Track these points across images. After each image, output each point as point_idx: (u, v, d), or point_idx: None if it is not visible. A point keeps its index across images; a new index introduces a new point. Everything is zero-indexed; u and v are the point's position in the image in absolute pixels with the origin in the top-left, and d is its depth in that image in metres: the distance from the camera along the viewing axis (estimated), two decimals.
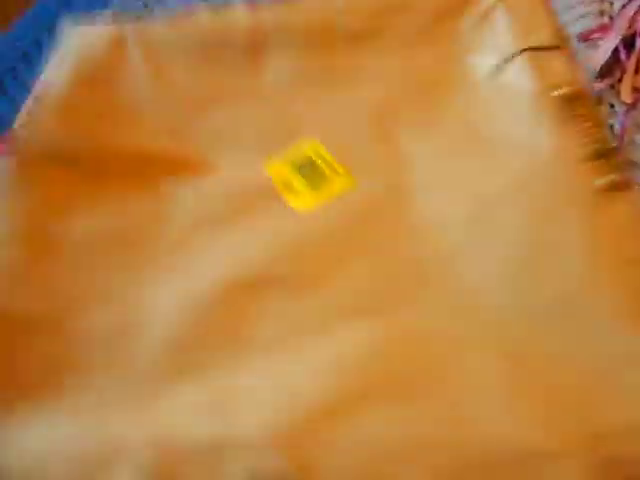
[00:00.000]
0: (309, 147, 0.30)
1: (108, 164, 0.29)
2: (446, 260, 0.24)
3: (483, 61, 0.29)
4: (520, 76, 0.27)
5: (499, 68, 0.29)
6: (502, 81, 0.28)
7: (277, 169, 0.29)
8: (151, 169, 0.29)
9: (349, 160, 0.28)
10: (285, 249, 0.26)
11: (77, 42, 0.34)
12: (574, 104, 0.26)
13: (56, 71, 0.33)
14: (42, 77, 0.33)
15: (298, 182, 0.29)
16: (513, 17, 0.29)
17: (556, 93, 0.26)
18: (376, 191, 0.27)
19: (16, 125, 0.31)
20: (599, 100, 0.27)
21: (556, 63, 0.27)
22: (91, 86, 0.32)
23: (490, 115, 0.28)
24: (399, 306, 0.23)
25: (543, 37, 0.28)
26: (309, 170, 0.29)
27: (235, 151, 0.30)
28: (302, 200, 0.28)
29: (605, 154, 0.24)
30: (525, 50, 0.28)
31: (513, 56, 0.28)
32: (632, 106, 0.27)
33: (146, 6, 0.40)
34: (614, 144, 0.26)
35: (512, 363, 0.20)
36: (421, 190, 0.26)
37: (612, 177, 0.23)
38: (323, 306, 0.24)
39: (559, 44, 0.28)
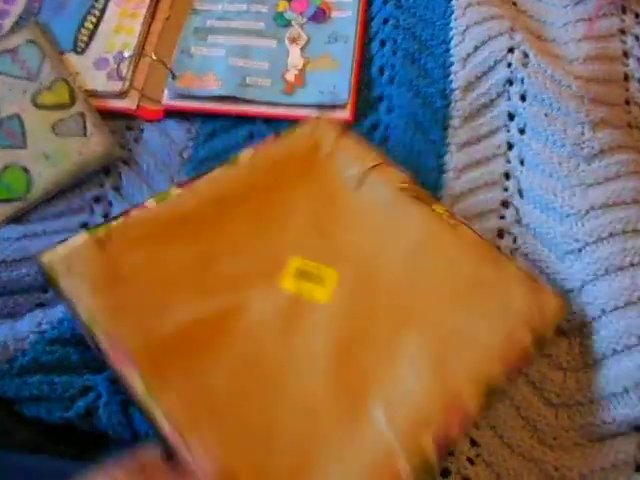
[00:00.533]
0: (295, 262, 0.44)
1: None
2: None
3: (347, 181, 0.48)
4: (377, 183, 0.48)
5: (360, 182, 0.48)
6: (365, 189, 0.48)
7: (288, 284, 0.43)
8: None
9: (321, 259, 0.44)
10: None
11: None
12: (415, 188, 0.47)
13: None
14: None
15: (308, 286, 0.43)
16: (351, 152, 0.49)
17: (404, 186, 0.47)
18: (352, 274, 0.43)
19: None
20: None
21: (391, 169, 0.48)
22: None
23: (368, 210, 0.47)
24: None
25: (375, 158, 0.49)
26: (307, 276, 0.43)
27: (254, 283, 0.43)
28: (320, 295, 0.43)
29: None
30: (371, 168, 0.48)
31: (365, 173, 0.48)
32: None
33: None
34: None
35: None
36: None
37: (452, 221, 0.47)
38: None
39: (382, 160, 0.49)
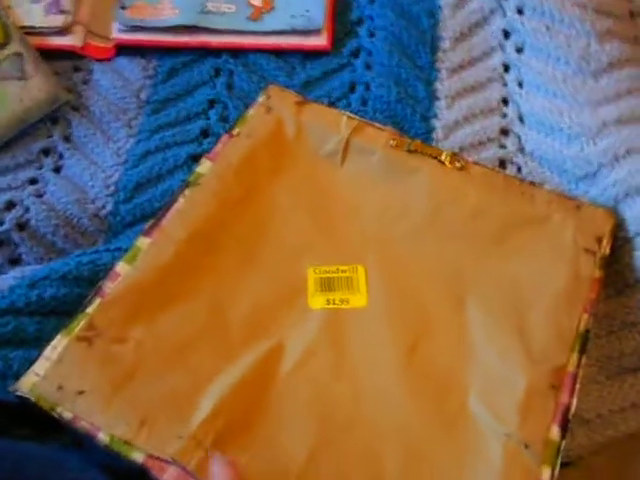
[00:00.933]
0: (313, 274, 0.38)
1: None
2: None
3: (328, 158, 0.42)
4: (362, 149, 0.42)
5: (343, 155, 0.42)
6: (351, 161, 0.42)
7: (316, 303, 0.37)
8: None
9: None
10: None
11: None
12: (406, 140, 0.42)
13: None
14: None
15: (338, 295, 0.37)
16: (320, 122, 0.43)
17: (393, 143, 0.41)
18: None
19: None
20: None
21: (371, 128, 0.42)
22: None
23: (363, 186, 0.41)
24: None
25: (349, 120, 0.43)
26: (332, 284, 0.37)
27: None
28: (356, 299, 0.37)
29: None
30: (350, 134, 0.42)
31: (345, 143, 0.42)
32: None
33: None
34: None
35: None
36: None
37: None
38: None
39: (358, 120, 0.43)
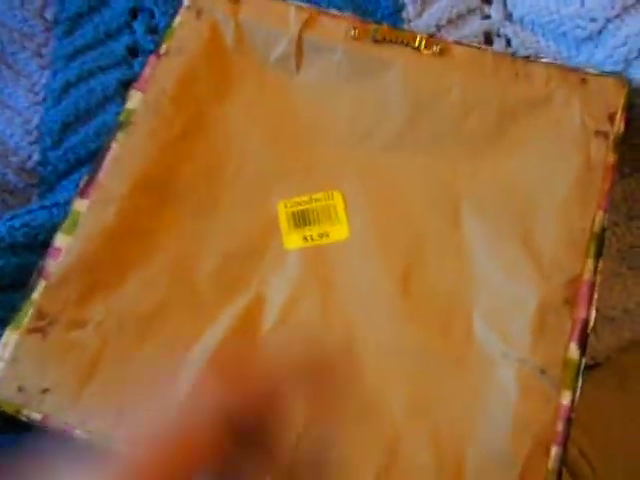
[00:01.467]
0: (284, 209, 0.32)
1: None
2: None
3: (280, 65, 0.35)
4: (319, 47, 0.34)
5: (297, 58, 0.35)
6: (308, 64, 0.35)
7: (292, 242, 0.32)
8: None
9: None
10: None
11: None
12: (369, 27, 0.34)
13: None
14: None
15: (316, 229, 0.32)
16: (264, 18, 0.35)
17: (354, 33, 0.34)
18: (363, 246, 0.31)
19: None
20: None
21: (327, 18, 0.35)
22: None
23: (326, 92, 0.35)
24: None
25: (299, 10, 0.35)
26: (307, 217, 0.32)
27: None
28: (337, 232, 0.32)
29: None
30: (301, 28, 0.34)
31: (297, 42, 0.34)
32: None
33: None
34: None
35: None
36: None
37: None
38: None
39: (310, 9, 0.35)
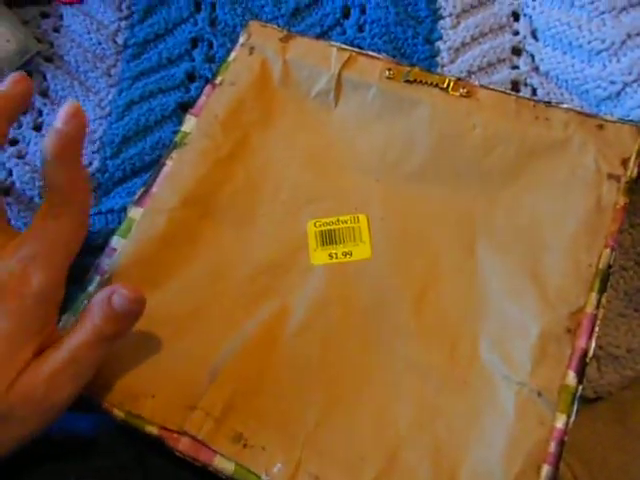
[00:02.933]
0: (313, 228, 0.36)
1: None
2: None
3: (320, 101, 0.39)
4: (356, 85, 0.38)
5: (336, 94, 0.38)
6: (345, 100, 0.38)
7: (318, 258, 0.35)
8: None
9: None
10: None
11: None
12: (402, 69, 0.37)
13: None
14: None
15: (340, 248, 0.35)
16: (308, 59, 0.39)
17: (389, 73, 0.37)
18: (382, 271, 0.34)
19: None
20: None
21: (364, 58, 0.38)
22: None
23: (359, 126, 0.38)
24: None
25: (340, 52, 0.38)
26: (333, 236, 0.36)
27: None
28: (359, 251, 0.35)
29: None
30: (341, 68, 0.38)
31: (337, 80, 0.38)
32: None
33: None
34: None
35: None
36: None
37: None
38: None
39: (349, 51, 0.38)
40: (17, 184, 0.41)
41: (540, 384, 0.30)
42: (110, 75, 0.45)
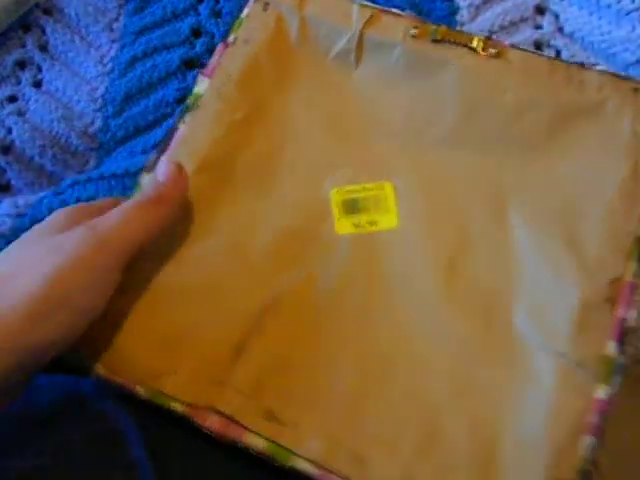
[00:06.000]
0: (337, 196, 0.34)
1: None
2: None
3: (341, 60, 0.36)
4: (379, 44, 0.36)
5: (358, 54, 0.36)
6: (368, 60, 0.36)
7: (344, 228, 0.34)
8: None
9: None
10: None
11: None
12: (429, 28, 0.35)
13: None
14: None
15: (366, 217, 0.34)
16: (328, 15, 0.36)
17: (415, 32, 0.35)
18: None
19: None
20: None
21: (388, 16, 0.36)
22: None
23: (384, 87, 0.36)
24: None
25: (363, 8, 0.36)
26: (359, 205, 0.34)
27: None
28: (386, 220, 0.33)
29: None
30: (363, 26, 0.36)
31: (359, 38, 0.36)
32: None
33: None
34: None
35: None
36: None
37: None
38: None
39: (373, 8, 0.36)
40: (17, 142, 0.39)
41: (580, 354, 0.29)
42: (112, 30, 0.43)
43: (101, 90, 0.41)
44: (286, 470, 0.28)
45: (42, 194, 0.37)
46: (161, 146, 0.34)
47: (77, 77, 0.41)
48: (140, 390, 0.29)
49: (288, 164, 0.35)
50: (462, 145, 0.35)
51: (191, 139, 0.34)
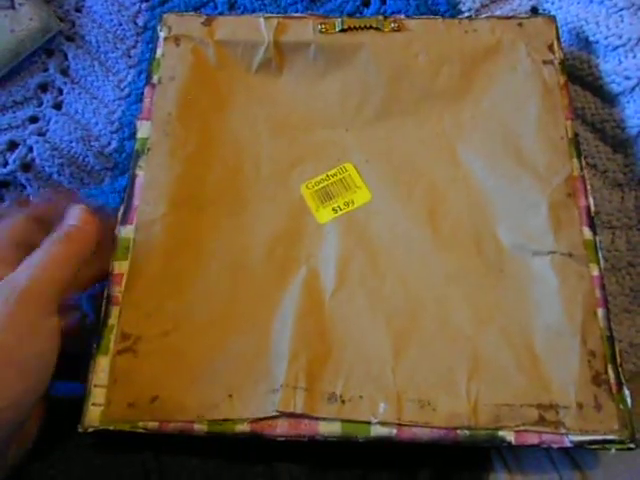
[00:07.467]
0: (307, 191, 0.36)
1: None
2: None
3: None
4: (296, 47, 0.38)
5: (270, 60, 0.39)
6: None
7: (323, 216, 0.35)
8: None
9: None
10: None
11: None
12: None
13: None
14: None
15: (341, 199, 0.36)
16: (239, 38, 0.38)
17: (321, 28, 0.38)
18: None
19: None
20: None
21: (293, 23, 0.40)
22: None
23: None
24: None
25: None
26: (329, 191, 0.36)
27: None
28: (360, 196, 0.36)
29: None
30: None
31: (275, 47, 0.38)
32: None
33: None
34: None
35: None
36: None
37: None
38: None
39: None
40: (37, 161, 0.41)
41: (567, 246, 0.33)
42: (130, 56, 0.45)
43: (118, 113, 0.43)
44: (359, 444, 0.29)
45: None
46: (125, 196, 0.34)
47: (96, 100, 0.43)
48: (199, 427, 0.29)
49: (252, 176, 0.36)
50: (397, 112, 0.38)
51: (154, 182, 0.34)
